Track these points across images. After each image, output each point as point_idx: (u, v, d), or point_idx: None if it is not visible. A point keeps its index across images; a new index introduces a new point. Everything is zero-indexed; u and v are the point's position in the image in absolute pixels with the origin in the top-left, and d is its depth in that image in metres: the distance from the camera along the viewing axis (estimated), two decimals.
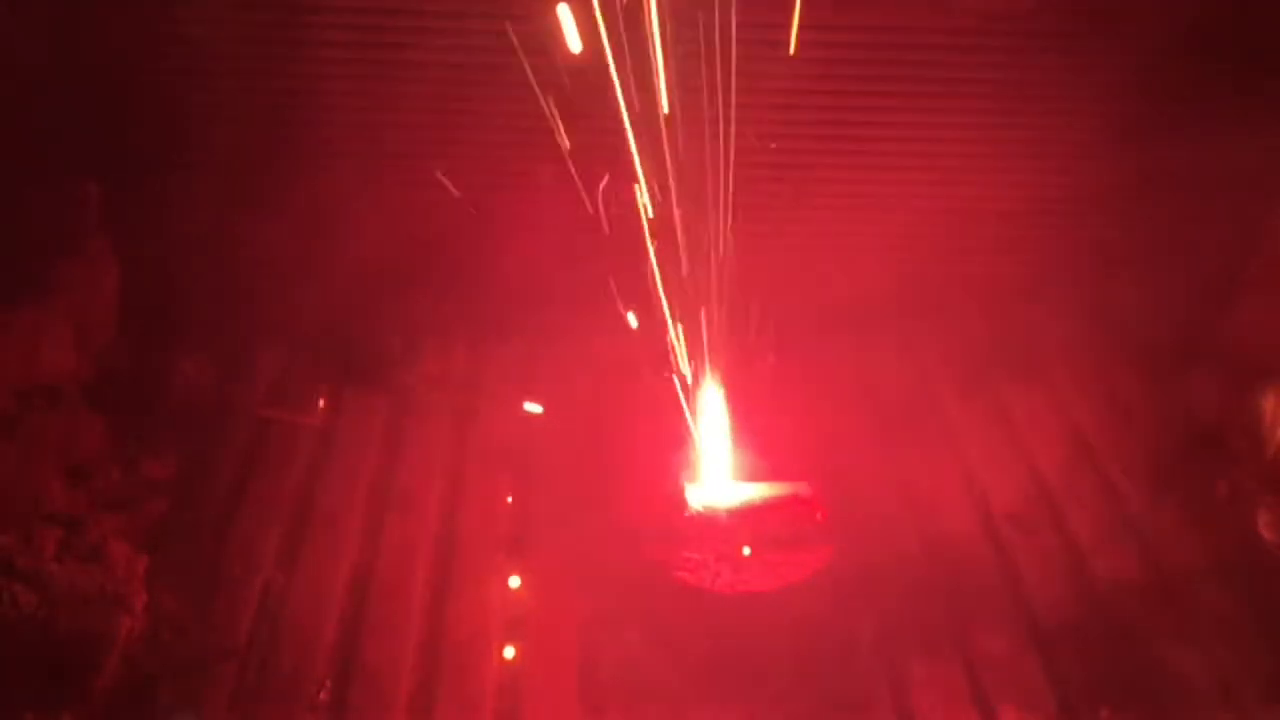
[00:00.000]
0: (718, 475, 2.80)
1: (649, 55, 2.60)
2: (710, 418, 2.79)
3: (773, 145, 2.91)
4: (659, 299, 2.72)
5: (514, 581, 2.67)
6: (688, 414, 2.79)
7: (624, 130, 2.84)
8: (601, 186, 2.83)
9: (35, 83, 2.87)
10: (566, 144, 2.92)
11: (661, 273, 2.70)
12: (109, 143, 3.01)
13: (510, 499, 2.91)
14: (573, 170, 3.16)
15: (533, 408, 2.90)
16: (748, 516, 2.70)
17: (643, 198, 2.69)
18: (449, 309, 3.39)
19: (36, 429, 2.70)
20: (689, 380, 2.77)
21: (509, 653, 2.50)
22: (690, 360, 2.75)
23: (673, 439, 2.82)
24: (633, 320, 2.77)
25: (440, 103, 3.09)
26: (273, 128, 3.08)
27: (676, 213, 2.72)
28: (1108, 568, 2.76)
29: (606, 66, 2.77)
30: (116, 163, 3.03)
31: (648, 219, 2.69)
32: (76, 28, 2.88)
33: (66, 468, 2.71)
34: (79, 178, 2.98)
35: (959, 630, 2.60)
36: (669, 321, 2.71)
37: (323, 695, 2.39)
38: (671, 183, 2.70)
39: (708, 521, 2.69)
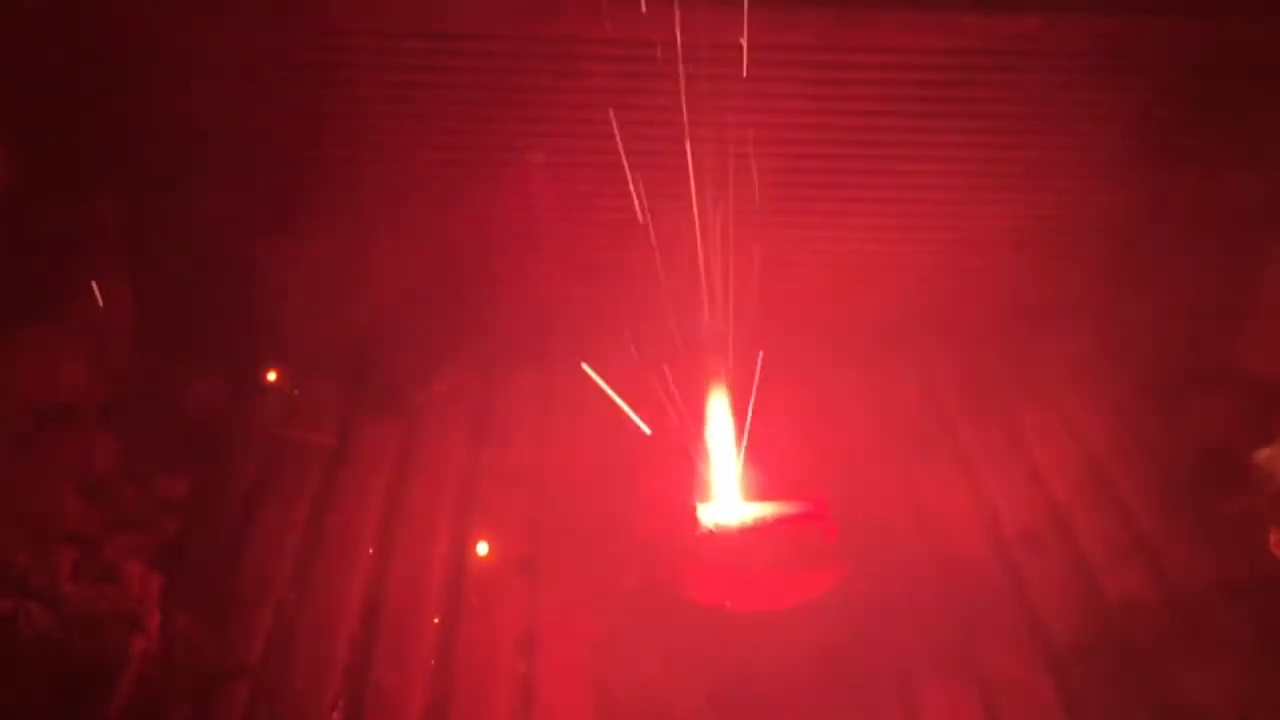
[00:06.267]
0: (729, 494, 2.81)
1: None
2: (722, 437, 2.80)
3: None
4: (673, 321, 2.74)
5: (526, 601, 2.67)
6: (700, 433, 2.80)
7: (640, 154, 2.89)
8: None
9: (52, 101, 2.89)
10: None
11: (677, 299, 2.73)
12: (126, 161, 3.03)
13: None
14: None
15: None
16: (759, 535, 2.70)
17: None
18: (462, 328, 3.40)
19: (52, 447, 2.71)
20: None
21: (522, 672, 2.50)
22: (704, 379, 2.77)
23: (685, 458, 2.83)
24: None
25: (461, 124, 3.11)
26: (291, 148, 3.11)
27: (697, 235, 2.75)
28: (1120, 588, 2.76)
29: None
30: (133, 182, 3.05)
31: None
32: (94, 44, 2.90)
33: (82, 486, 2.71)
34: (96, 196, 3.00)
35: (971, 650, 2.60)
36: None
37: (335, 715, 2.39)
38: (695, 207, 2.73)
39: (719, 540, 2.69)
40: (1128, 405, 3.35)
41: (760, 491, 2.82)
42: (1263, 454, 2.97)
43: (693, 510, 2.74)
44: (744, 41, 2.83)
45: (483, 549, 2.81)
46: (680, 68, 2.78)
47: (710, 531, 2.70)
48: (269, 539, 2.79)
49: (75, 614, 2.40)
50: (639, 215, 2.94)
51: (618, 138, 3.00)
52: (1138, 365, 3.35)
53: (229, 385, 3.20)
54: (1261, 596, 2.71)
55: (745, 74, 2.88)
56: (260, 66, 2.98)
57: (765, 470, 2.85)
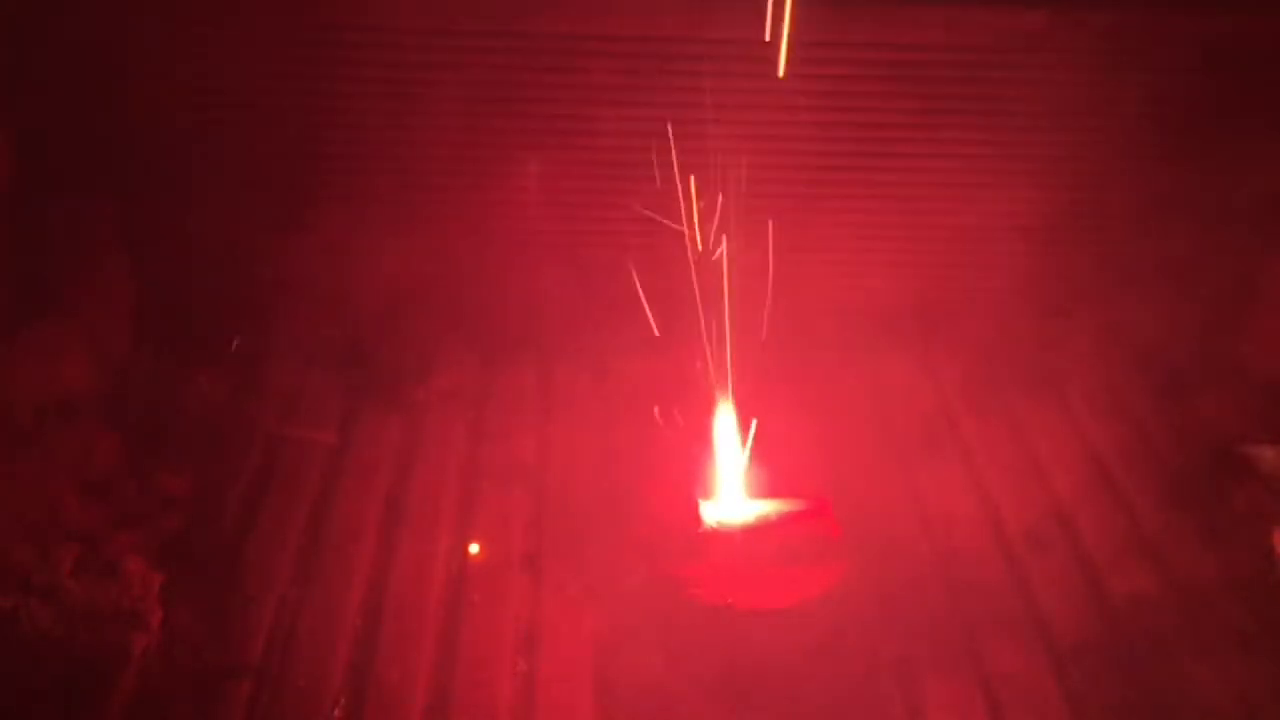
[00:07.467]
0: (732, 491, 2.80)
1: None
2: (725, 434, 2.79)
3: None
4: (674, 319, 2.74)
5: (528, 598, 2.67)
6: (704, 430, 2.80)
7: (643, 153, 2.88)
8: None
9: (52, 98, 2.89)
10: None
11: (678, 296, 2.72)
12: (126, 159, 3.03)
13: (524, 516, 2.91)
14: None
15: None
16: (762, 533, 2.69)
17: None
18: (463, 325, 3.40)
19: (53, 445, 2.71)
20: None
21: (523, 670, 2.50)
22: (706, 376, 2.76)
23: (687, 455, 2.82)
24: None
25: (461, 120, 3.10)
26: (292, 145, 3.10)
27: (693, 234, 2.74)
28: (1124, 585, 2.75)
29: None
30: (134, 180, 3.05)
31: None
32: (96, 42, 2.90)
33: (83, 483, 2.71)
34: (96, 195, 3.00)
35: (974, 647, 2.59)
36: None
37: (337, 713, 2.39)
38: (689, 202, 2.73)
39: (722, 537, 2.69)
40: (1132, 401, 3.34)
41: (763, 489, 2.81)
42: (1268, 451, 2.97)
43: (695, 507, 2.73)
44: (745, 38, 2.82)
45: (484, 546, 2.80)
46: (682, 65, 2.78)
47: (713, 529, 2.69)
48: (270, 536, 2.79)
49: (76, 611, 2.41)
50: (639, 212, 2.94)
51: (618, 135, 3.00)
52: (1142, 361, 3.35)
53: (229, 382, 3.19)
54: (1266, 594, 2.70)
55: (747, 70, 2.87)
56: (259, 63, 2.97)
57: (768, 467, 2.85)
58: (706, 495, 2.79)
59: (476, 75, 3.02)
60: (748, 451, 2.79)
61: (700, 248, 2.78)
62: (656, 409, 2.85)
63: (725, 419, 2.79)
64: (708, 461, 2.81)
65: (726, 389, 2.79)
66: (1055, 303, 3.40)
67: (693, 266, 2.76)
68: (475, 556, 2.78)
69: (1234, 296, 3.31)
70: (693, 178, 2.77)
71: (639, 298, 2.93)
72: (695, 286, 2.76)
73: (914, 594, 2.69)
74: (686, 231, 2.80)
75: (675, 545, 2.67)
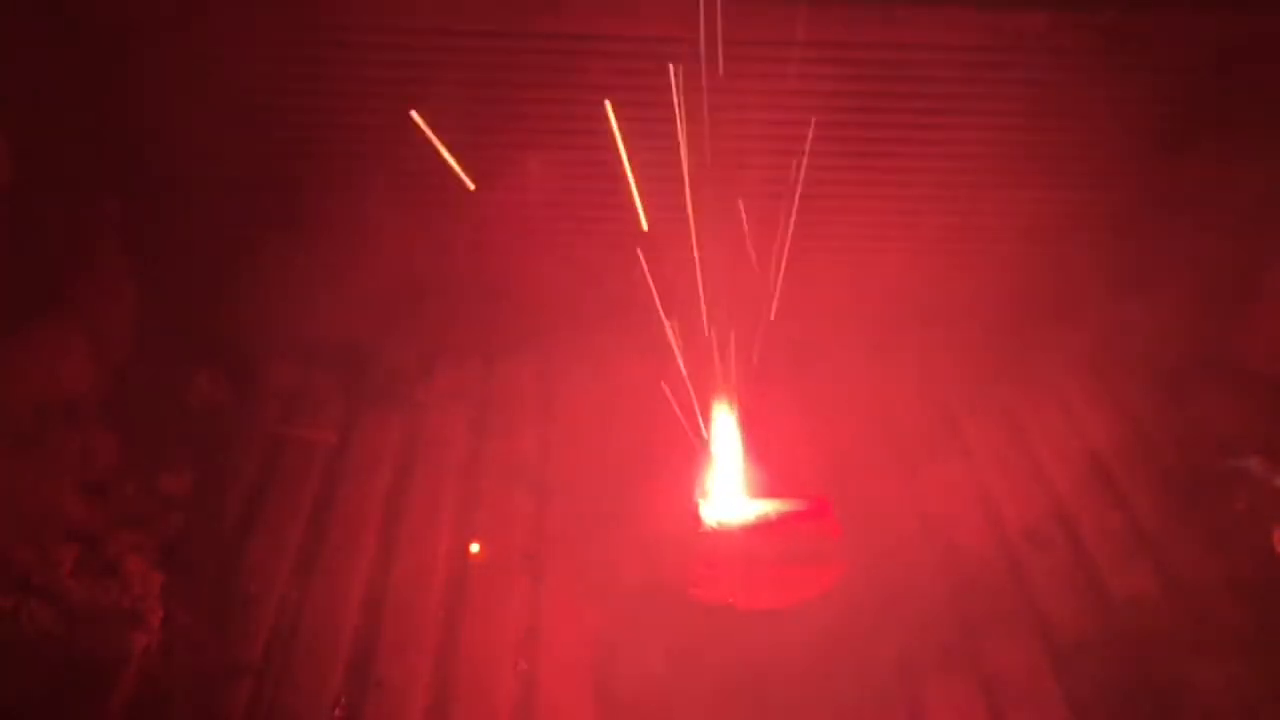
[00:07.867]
0: (732, 491, 2.80)
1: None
2: (725, 435, 2.79)
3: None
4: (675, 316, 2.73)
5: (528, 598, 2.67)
6: (703, 430, 2.80)
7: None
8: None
9: (54, 98, 2.88)
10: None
11: (678, 292, 2.72)
12: (128, 160, 3.03)
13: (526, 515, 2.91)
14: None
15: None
16: (763, 532, 2.69)
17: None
18: (463, 325, 3.40)
19: (54, 445, 2.71)
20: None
21: (524, 669, 2.50)
22: (706, 378, 2.76)
23: (688, 455, 2.82)
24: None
25: (462, 120, 3.10)
26: (292, 145, 3.10)
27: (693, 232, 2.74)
28: (1123, 584, 2.76)
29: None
30: (135, 180, 3.05)
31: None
32: (98, 41, 2.90)
33: (83, 483, 2.71)
34: (98, 195, 3.00)
35: (974, 646, 2.60)
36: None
37: (338, 712, 2.39)
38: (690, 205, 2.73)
39: (722, 538, 2.69)
40: (1132, 401, 3.34)
41: (763, 489, 2.81)
42: (1266, 451, 2.97)
43: (696, 508, 2.73)
44: (745, 38, 2.82)
45: (484, 546, 2.80)
46: (682, 65, 2.77)
47: (713, 529, 2.69)
48: (271, 536, 2.79)
49: (77, 611, 2.41)
50: (639, 212, 2.94)
51: (618, 134, 2.99)
52: (1142, 361, 3.35)
53: (230, 382, 3.19)
54: (1265, 593, 2.71)
55: (747, 70, 2.87)
56: (259, 63, 2.97)
57: (768, 467, 2.85)
58: (706, 495, 2.79)
59: (476, 75, 3.02)
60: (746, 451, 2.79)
61: (700, 248, 2.78)
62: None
63: (725, 419, 2.79)
64: (707, 461, 2.81)
65: (727, 389, 2.79)
66: (1055, 303, 3.40)
67: (695, 266, 2.76)
68: (475, 556, 2.78)
69: (1234, 296, 3.30)
70: (691, 179, 2.77)
71: (638, 297, 2.93)
72: (696, 286, 2.76)
73: (914, 594, 2.69)
74: (685, 231, 2.80)
75: (675, 545, 2.68)
